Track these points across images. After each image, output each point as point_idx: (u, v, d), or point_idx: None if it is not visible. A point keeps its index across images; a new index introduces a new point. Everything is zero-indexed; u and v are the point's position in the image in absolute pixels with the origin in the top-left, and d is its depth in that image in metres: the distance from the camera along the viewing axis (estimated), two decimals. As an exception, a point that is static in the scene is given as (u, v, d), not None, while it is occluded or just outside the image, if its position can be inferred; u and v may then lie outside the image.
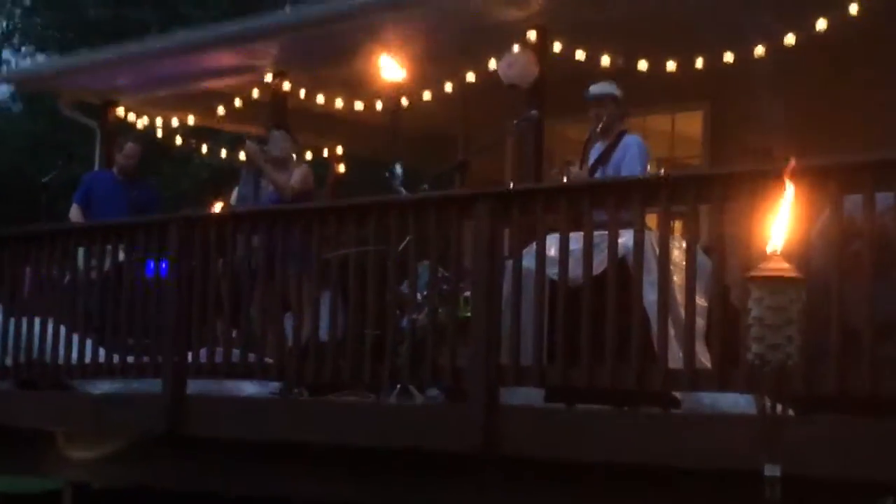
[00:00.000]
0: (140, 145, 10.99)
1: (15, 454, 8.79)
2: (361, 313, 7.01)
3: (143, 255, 8.10)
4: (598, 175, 7.77)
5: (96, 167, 13.53)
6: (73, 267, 8.53)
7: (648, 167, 7.98)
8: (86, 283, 8.36)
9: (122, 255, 8.37)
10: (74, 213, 10.65)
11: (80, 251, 8.52)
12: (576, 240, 6.11)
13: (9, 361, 8.62)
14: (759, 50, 9.60)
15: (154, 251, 7.99)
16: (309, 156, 13.22)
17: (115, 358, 8.00)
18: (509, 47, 9.94)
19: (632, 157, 7.65)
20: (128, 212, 10.18)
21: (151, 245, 8.00)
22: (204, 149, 15.15)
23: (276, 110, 11.99)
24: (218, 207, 9.19)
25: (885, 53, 8.43)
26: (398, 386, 7.04)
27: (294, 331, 7.62)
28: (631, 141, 7.80)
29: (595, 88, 8.03)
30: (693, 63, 10.08)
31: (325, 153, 14.23)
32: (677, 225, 7.35)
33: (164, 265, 7.91)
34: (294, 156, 9.95)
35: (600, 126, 7.90)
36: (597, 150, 7.99)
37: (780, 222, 3.91)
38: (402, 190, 8.43)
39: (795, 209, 3.96)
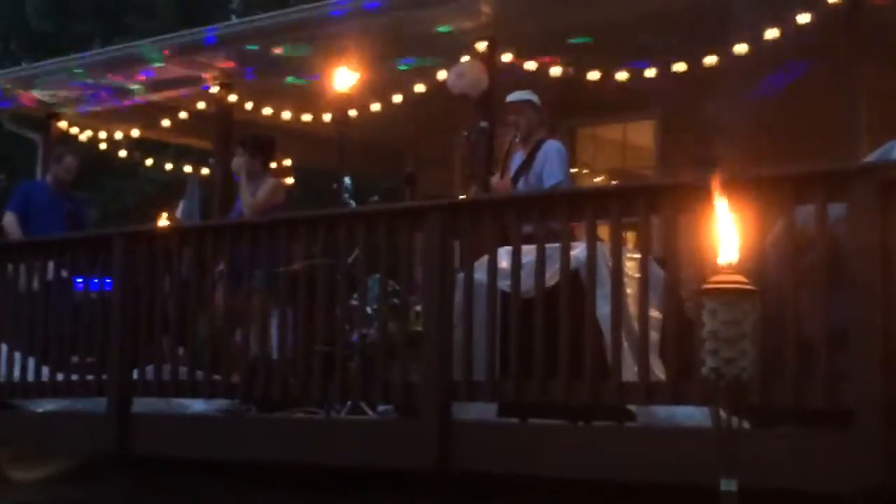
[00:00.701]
0: (77, 158, 10.84)
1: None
2: (311, 328, 6.91)
3: (74, 271, 7.96)
4: (520, 184, 7.76)
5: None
6: (14, 282, 8.37)
7: (570, 171, 8.00)
8: (27, 299, 8.19)
9: (50, 273, 8.18)
10: (10, 222, 10.46)
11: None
12: (528, 252, 6.05)
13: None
14: (710, 59, 9.60)
15: (97, 266, 7.86)
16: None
17: (60, 376, 7.85)
18: (458, 58, 9.89)
19: (552, 163, 7.64)
20: (65, 224, 10.05)
21: (96, 260, 7.86)
22: (149, 162, 15.01)
23: (222, 122, 11.88)
24: (163, 221, 9.07)
25: (838, 62, 8.43)
26: (349, 403, 6.95)
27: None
28: (551, 147, 7.80)
29: (512, 95, 8.10)
30: (643, 72, 10.07)
31: (273, 165, 14.10)
32: (630, 236, 7.32)
33: (107, 281, 7.77)
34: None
35: (519, 134, 7.93)
36: (518, 158, 7.98)
37: (724, 234, 3.87)
38: (352, 202, 8.35)
39: (739, 220, 3.92)
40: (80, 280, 7.99)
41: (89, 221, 10.64)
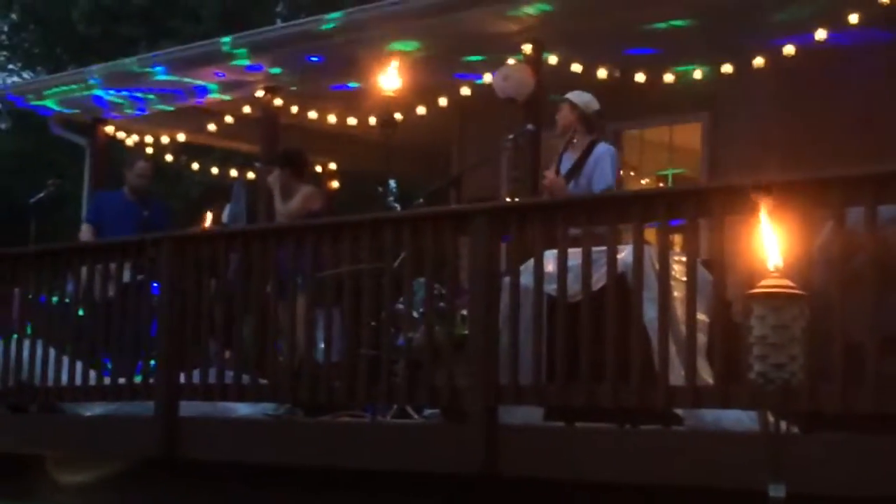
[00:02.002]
0: (150, 162, 10.83)
1: (5, 480, 8.67)
2: (357, 332, 6.91)
3: (150, 276, 8.00)
4: (570, 186, 7.72)
5: (86, 185, 13.45)
6: (63, 288, 8.42)
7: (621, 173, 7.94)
8: (84, 303, 8.24)
9: (126, 276, 8.19)
10: (85, 233, 10.49)
11: (83, 271, 8.38)
12: (574, 255, 6.02)
13: (-2, 385, 8.51)
14: (759, 61, 9.54)
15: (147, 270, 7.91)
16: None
17: (107, 380, 7.90)
18: (505, 60, 9.87)
19: (603, 166, 7.60)
20: (139, 232, 10.05)
21: (142, 264, 7.91)
22: (195, 166, 15.08)
23: (267, 126, 11.92)
24: (208, 222, 9.11)
25: (884, 64, 8.36)
26: (394, 406, 6.94)
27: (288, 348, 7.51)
28: (602, 150, 7.75)
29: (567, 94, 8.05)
30: (692, 73, 10.03)
31: (318, 169, 14.16)
32: (677, 239, 7.27)
33: (154, 285, 7.81)
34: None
35: (557, 129, 7.92)
36: (568, 159, 7.92)
37: (769, 238, 3.84)
38: (396, 205, 8.36)
39: (787, 223, 3.90)
40: (155, 284, 8.01)
41: (173, 223, 10.58)
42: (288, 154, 9.96)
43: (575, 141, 7.87)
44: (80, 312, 8.34)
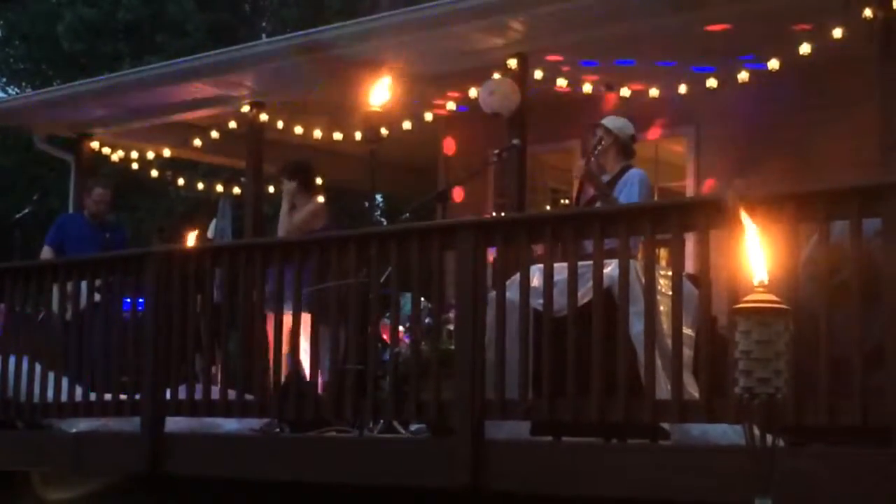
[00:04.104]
0: (109, 187, 10.89)
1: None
2: (343, 347, 6.91)
3: (119, 292, 8.00)
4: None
5: (71, 200, 13.42)
6: (48, 304, 8.41)
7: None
8: (61, 320, 8.23)
9: (97, 296, 8.21)
10: (46, 255, 10.53)
11: (55, 289, 8.38)
12: (560, 270, 6.03)
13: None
14: (743, 75, 9.58)
15: (131, 287, 7.90)
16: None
17: (93, 396, 7.87)
18: (490, 75, 9.88)
19: (631, 189, 7.57)
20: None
21: (128, 280, 7.90)
22: (180, 181, 15.07)
23: (253, 141, 11.91)
24: (192, 240, 9.07)
25: (871, 76, 8.38)
26: (381, 421, 6.93)
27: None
28: (633, 174, 7.74)
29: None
30: (677, 88, 10.06)
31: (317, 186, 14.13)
32: (663, 253, 7.28)
33: (140, 301, 7.79)
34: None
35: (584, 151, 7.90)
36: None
37: (756, 252, 3.85)
38: (383, 220, 8.35)
39: (772, 237, 3.91)
40: (127, 300, 8.02)
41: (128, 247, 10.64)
42: (296, 166, 9.80)
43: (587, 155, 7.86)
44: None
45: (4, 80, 27.83)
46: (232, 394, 7.29)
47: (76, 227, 10.74)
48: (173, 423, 7.55)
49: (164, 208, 21.15)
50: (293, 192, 9.53)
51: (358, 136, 11.68)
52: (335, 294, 6.86)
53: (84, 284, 8.31)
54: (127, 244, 10.89)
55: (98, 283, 8.24)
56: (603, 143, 7.76)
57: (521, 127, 9.61)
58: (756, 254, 3.86)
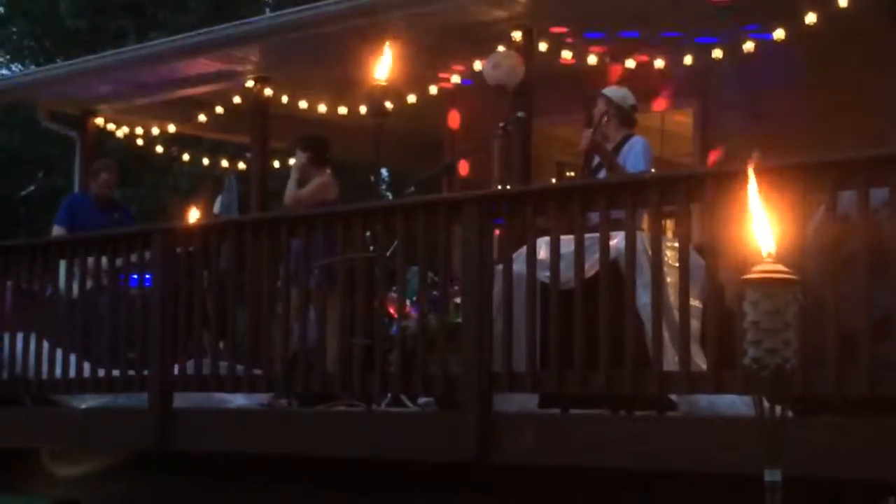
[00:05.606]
0: (114, 172, 10.87)
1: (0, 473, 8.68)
2: (350, 321, 6.91)
3: (126, 268, 8.00)
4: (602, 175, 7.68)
5: (76, 178, 13.42)
6: (55, 281, 8.42)
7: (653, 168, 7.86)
8: (68, 297, 8.24)
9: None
10: (58, 236, 10.50)
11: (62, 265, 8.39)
12: (567, 243, 6.02)
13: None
14: (749, 45, 9.54)
15: (137, 263, 7.91)
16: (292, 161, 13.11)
17: (101, 372, 7.89)
18: (494, 48, 9.85)
19: (635, 156, 7.56)
20: None
21: (134, 257, 7.90)
22: (185, 157, 15.06)
23: (258, 116, 11.89)
24: (195, 216, 9.06)
25: (878, 47, 8.35)
26: (389, 395, 6.94)
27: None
28: (636, 142, 7.72)
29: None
30: (682, 58, 10.03)
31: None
32: (669, 224, 7.26)
33: (147, 277, 7.80)
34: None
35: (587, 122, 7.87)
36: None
37: (764, 223, 3.83)
38: (388, 195, 8.34)
39: (780, 208, 3.88)
40: (135, 276, 8.02)
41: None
42: (308, 139, 9.69)
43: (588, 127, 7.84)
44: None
45: (7, 57, 27.77)
46: (240, 369, 7.30)
47: (84, 209, 10.73)
48: (181, 399, 7.56)
49: (169, 184, 21.12)
50: (304, 162, 9.43)
51: (363, 110, 11.67)
52: (342, 268, 6.86)
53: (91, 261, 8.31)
54: (134, 222, 10.89)
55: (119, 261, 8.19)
56: (607, 113, 7.75)
57: (527, 100, 9.58)
58: (767, 224, 3.85)
